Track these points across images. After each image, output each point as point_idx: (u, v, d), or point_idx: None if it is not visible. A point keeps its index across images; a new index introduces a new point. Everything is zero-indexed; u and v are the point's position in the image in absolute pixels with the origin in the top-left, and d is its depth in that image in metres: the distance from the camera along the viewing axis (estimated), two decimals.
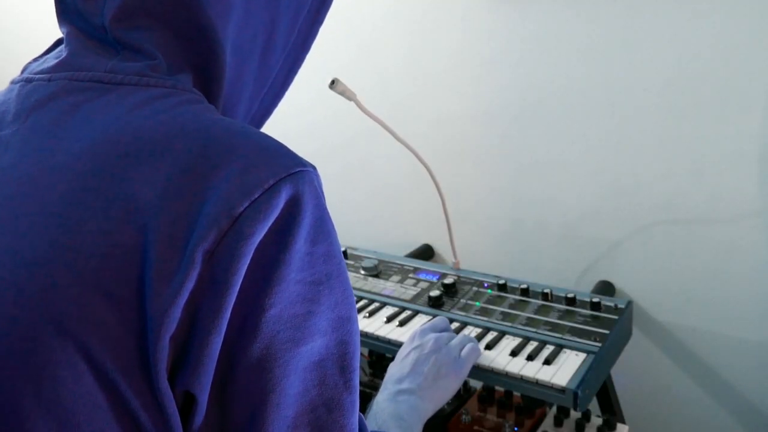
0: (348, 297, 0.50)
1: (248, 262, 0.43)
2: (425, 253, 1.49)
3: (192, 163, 0.44)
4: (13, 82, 0.56)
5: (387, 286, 1.20)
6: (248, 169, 0.44)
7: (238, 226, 0.43)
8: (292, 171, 0.45)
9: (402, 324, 1.06)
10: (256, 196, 0.43)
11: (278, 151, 0.47)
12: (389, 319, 1.08)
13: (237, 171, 0.44)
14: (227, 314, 0.43)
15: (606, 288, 1.28)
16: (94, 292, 0.42)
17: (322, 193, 0.49)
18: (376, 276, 1.24)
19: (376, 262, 1.27)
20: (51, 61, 0.54)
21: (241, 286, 0.44)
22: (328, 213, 0.48)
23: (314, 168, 0.48)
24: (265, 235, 0.44)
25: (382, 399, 0.82)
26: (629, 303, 1.07)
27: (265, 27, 0.56)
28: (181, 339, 0.43)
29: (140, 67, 0.51)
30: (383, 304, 1.14)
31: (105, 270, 0.43)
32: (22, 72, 0.57)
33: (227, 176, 0.44)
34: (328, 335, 0.48)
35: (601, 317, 1.04)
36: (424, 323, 1.00)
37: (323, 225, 0.47)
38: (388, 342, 1.03)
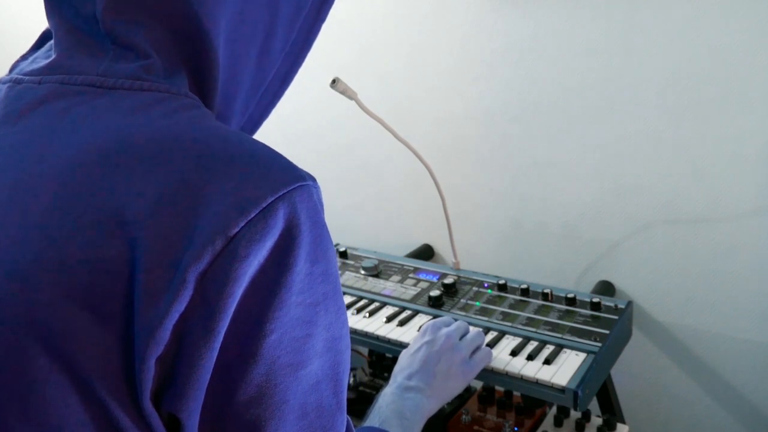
0: (341, 315, 0.48)
1: (244, 285, 0.41)
2: (425, 253, 1.49)
3: (185, 176, 0.42)
4: (0, 82, 0.53)
5: (387, 286, 1.20)
6: (244, 184, 0.42)
7: (233, 246, 0.40)
8: (290, 187, 0.43)
9: (402, 324, 1.06)
10: (252, 215, 0.41)
11: (275, 164, 0.44)
12: (389, 319, 1.08)
13: (232, 186, 0.42)
14: (219, 339, 0.41)
15: (606, 288, 1.28)
16: (80, 308, 0.40)
17: (322, 205, 0.46)
18: (376, 276, 1.24)
19: (376, 262, 1.27)
20: (41, 61, 0.52)
21: (238, 310, 0.42)
22: (326, 228, 0.46)
23: (313, 180, 0.46)
24: (265, 258, 0.42)
25: (389, 392, 0.82)
26: (629, 303, 1.08)
27: (263, 25, 0.54)
28: (169, 361, 0.41)
29: (134, 69, 0.48)
30: (383, 304, 1.14)
31: (91, 285, 0.41)
32: (10, 71, 0.55)
33: (222, 191, 0.41)
34: (323, 356, 0.47)
35: (601, 317, 1.04)
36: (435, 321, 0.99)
37: (321, 243, 0.45)
38: (388, 342, 1.03)
